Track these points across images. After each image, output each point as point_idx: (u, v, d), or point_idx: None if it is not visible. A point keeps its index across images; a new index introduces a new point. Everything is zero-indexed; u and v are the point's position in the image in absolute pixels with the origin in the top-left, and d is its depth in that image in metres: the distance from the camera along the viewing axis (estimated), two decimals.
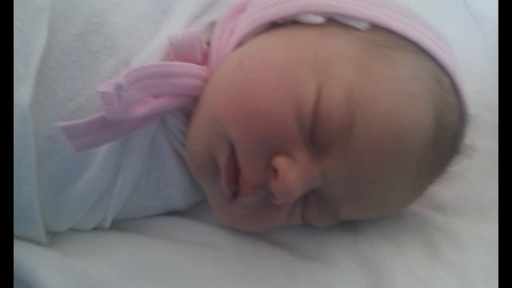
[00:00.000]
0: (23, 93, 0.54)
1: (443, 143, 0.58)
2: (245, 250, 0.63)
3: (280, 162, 0.52)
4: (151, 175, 0.62)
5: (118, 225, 0.65)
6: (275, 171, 0.52)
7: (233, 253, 0.62)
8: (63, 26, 0.57)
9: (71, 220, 0.62)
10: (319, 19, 0.57)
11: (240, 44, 0.60)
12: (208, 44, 0.61)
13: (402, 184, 0.57)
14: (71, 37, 0.57)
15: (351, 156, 0.53)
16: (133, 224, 0.66)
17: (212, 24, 0.63)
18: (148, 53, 0.57)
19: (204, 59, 0.60)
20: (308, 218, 0.59)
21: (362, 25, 0.57)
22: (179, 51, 0.57)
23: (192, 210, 0.68)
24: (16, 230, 0.57)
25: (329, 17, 0.57)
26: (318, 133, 0.53)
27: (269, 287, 0.59)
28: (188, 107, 0.59)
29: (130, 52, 0.58)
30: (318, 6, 0.57)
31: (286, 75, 0.53)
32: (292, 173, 0.52)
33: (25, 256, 0.57)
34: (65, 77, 0.56)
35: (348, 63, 0.54)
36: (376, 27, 0.57)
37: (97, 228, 0.64)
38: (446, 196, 0.71)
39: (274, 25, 0.60)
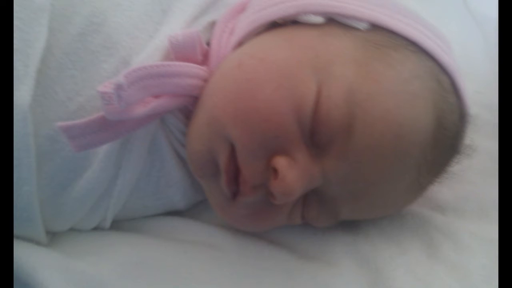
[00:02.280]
0: (23, 93, 0.54)
1: (443, 143, 0.58)
2: (245, 250, 0.63)
3: (280, 162, 0.52)
4: (151, 175, 0.62)
5: (118, 225, 0.65)
6: (275, 171, 0.52)
7: (233, 253, 0.62)
8: (63, 26, 0.57)
9: (71, 220, 0.62)
10: (319, 19, 0.57)
11: (240, 44, 0.60)
12: (208, 44, 0.61)
13: (402, 184, 0.57)
14: (71, 37, 0.57)
15: (351, 156, 0.53)
16: (133, 224, 0.66)
17: (212, 24, 0.63)
18: (148, 53, 0.57)
19: (204, 59, 0.60)
20: (308, 218, 0.59)
21: (362, 25, 0.57)
22: (179, 51, 0.57)
23: (192, 210, 0.68)
24: (16, 230, 0.57)
25: (329, 17, 0.57)
26: (318, 133, 0.53)
27: (269, 287, 0.59)
28: (188, 107, 0.59)
29: (130, 52, 0.58)
30: (318, 6, 0.57)
31: (286, 75, 0.53)
32: (292, 173, 0.52)
33: (25, 256, 0.57)
34: (65, 77, 0.56)
35: (348, 63, 0.54)
36: (376, 27, 0.57)
37: (97, 228, 0.64)
38: (446, 196, 0.71)
39: (274, 25, 0.60)
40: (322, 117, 0.52)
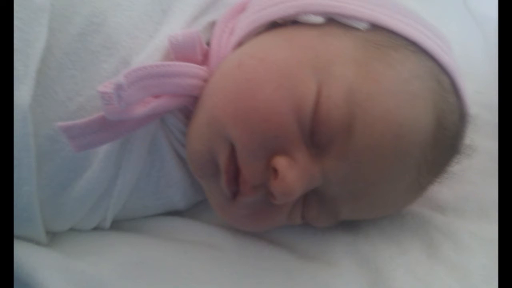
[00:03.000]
0: (23, 93, 0.54)
1: (443, 143, 0.58)
2: (245, 250, 0.63)
3: (280, 162, 0.52)
4: (151, 175, 0.62)
5: (118, 225, 0.65)
6: (275, 171, 0.52)
7: (233, 253, 0.62)
8: (63, 26, 0.57)
9: (71, 220, 0.62)
10: (319, 19, 0.57)
11: (240, 44, 0.60)
12: (208, 44, 0.61)
13: (402, 184, 0.57)
14: (71, 37, 0.57)
15: (351, 156, 0.53)
16: (133, 224, 0.66)
17: (212, 24, 0.63)
18: (148, 53, 0.57)
19: (204, 59, 0.60)
20: (308, 218, 0.59)
21: (362, 25, 0.57)
22: (179, 51, 0.57)
23: (192, 210, 0.68)
24: (16, 230, 0.57)
25: (329, 17, 0.57)
26: (318, 133, 0.53)
27: (269, 287, 0.59)
28: (188, 107, 0.59)
29: (130, 52, 0.58)
30: (318, 6, 0.57)
31: (286, 75, 0.53)
32: (292, 173, 0.52)
33: (25, 256, 0.57)
34: (65, 77, 0.56)
35: (348, 63, 0.54)
36: (376, 27, 0.57)
37: (97, 228, 0.64)
38: (446, 196, 0.71)
39: (274, 25, 0.60)
40: (322, 117, 0.52)
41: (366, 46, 0.55)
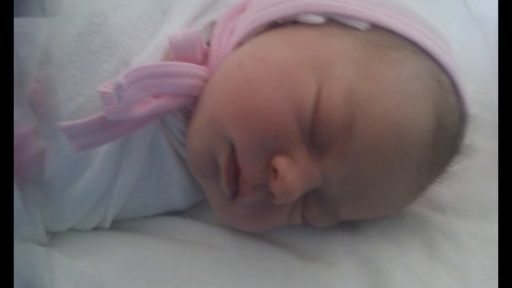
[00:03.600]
0: None
1: (443, 143, 0.58)
2: (245, 250, 0.63)
3: (280, 162, 0.52)
4: (151, 175, 0.62)
5: (118, 225, 0.65)
6: (275, 171, 0.52)
7: (233, 253, 0.62)
8: (63, 26, 0.57)
9: (71, 220, 0.62)
10: (319, 19, 0.57)
11: (240, 44, 0.60)
12: (208, 44, 0.61)
13: (402, 184, 0.57)
14: (71, 37, 0.57)
15: (351, 156, 0.53)
16: (133, 224, 0.66)
17: (212, 24, 0.63)
18: (148, 53, 0.57)
19: (204, 59, 0.60)
20: (308, 218, 0.59)
21: (362, 25, 0.57)
22: (179, 51, 0.57)
23: (192, 210, 0.68)
24: (16, 230, 0.57)
25: (329, 17, 0.57)
26: (318, 133, 0.53)
27: (269, 287, 0.59)
28: (188, 107, 0.59)
29: (130, 52, 0.58)
30: (318, 6, 0.57)
31: (286, 75, 0.53)
32: (292, 173, 0.52)
33: (25, 256, 0.57)
34: (65, 77, 0.56)
35: (348, 63, 0.54)
36: (376, 27, 0.57)
37: (97, 228, 0.64)
38: (446, 196, 0.71)
39: (274, 25, 0.60)
40: (322, 117, 0.52)
41: (366, 46, 0.55)
